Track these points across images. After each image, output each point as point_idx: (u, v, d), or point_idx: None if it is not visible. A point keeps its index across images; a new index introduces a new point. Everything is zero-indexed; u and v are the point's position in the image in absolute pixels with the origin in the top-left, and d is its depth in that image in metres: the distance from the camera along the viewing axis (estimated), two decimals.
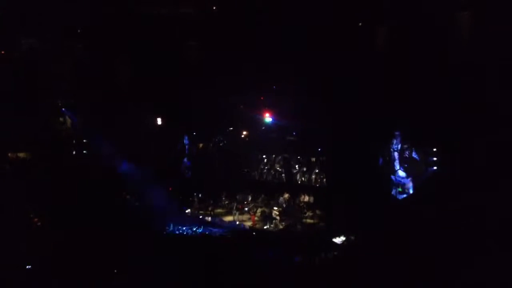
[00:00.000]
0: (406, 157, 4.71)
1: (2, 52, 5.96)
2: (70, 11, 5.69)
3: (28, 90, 5.83)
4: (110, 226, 5.29)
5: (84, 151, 6.25)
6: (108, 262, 4.71)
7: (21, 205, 5.33)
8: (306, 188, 5.91)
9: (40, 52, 5.99)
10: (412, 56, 4.66)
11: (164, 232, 5.43)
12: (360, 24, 5.22)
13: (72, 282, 4.31)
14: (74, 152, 6.21)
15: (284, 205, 5.77)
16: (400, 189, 4.74)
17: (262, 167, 6.37)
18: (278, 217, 5.58)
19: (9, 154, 5.75)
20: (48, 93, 6.05)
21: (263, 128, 6.24)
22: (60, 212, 5.52)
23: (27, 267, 4.39)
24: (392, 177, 4.79)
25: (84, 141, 6.25)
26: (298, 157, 6.11)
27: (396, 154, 4.75)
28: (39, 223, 5.28)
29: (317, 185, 5.86)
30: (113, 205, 5.68)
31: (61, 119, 6.22)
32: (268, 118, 6.11)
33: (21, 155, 5.84)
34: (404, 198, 4.73)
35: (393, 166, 4.77)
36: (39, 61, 5.96)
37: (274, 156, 6.31)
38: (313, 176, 5.91)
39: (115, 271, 4.50)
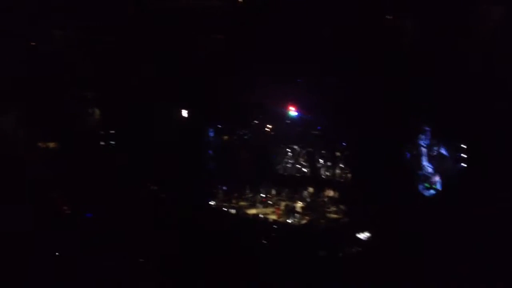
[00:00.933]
0: (434, 153, 4.63)
1: (33, 43, 6.04)
2: (99, 2, 5.76)
3: (57, 80, 5.93)
4: (135, 216, 5.39)
5: (112, 142, 6.34)
6: (134, 250, 4.81)
7: (51, 193, 5.48)
8: (330, 182, 5.86)
9: (69, 43, 6.08)
10: (441, 50, 4.58)
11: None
12: (387, 16, 5.15)
13: (99, 269, 4.41)
14: (102, 143, 6.31)
15: (308, 200, 5.75)
16: (427, 185, 4.67)
17: (286, 160, 6.36)
18: (301, 211, 5.58)
19: (40, 144, 5.86)
20: (76, 84, 6.14)
21: (288, 121, 6.20)
22: (88, 200, 5.65)
23: (56, 254, 4.53)
24: (419, 172, 4.72)
25: (112, 132, 6.34)
26: (323, 151, 6.06)
27: (424, 149, 4.67)
28: (67, 212, 5.41)
29: (342, 180, 5.81)
30: (139, 196, 5.76)
31: (89, 110, 6.31)
32: (292, 111, 6.07)
33: (51, 145, 5.95)
34: (431, 194, 4.67)
35: (421, 161, 4.70)
36: (69, 52, 6.05)
37: (298, 149, 6.29)
38: (338, 171, 5.86)
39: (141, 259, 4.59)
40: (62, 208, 5.40)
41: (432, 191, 4.59)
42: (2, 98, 5.58)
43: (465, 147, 4.49)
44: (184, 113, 6.52)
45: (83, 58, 6.08)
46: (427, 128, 4.63)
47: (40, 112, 5.78)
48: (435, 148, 4.61)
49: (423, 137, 4.66)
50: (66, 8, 5.71)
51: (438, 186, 4.58)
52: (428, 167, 4.63)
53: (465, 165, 4.47)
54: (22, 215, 4.79)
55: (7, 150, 5.34)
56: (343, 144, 5.80)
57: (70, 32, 6.03)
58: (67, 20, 5.88)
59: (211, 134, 6.56)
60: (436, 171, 4.60)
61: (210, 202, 6.08)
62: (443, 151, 4.58)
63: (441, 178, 4.56)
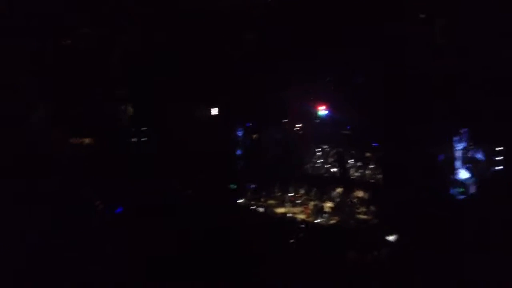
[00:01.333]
0: (469, 156, 4.54)
1: (63, 41, 6.15)
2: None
3: (90, 78, 6.03)
4: (164, 213, 5.47)
5: (143, 139, 6.43)
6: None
7: (84, 188, 5.60)
8: (360, 183, 5.81)
9: (101, 41, 6.17)
10: (476, 53, 4.48)
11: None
12: (422, 16, 5.05)
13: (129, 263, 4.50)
14: (134, 140, 6.41)
15: (337, 200, 5.72)
16: (461, 189, 4.58)
17: (316, 160, 6.33)
18: (330, 211, 5.55)
19: (73, 140, 5.98)
20: (109, 82, 6.24)
21: (317, 121, 6.17)
22: (118, 197, 5.75)
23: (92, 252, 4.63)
24: (453, 176, 4.64)
25: (143, 129, 6.43)
26: (352, 152, 6.00)
27: (458, 152, 4.58)
28: (100, 207, 5.52)
29: (372, 181, 5.75)
30: (168, 193, 5.84)
31: (122, 107, 6.41)
32: (322, 110, 6.03)
33: (86, 140, 6.07)
34: (465, 198, 4.58)
35: (455, 165, 4.61)
36: (101, 50, 6.15)
37: (328, 149, 6.25)
38: (368, 171, 5.81)
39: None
40: (95, 203, 5.52)
41: (465, 195, 4.51)
42: (35, 96, 5.71)
43: (501, 149, 4.39)
44: (214, 111, 6.58)
45: (115, 56, 6.19)
46: (462, 131, 4.55)
47: (73, 110, 5.91)
48: (470, 151, 4.52)
49: (457, 139, 4.58)
50: (97, 6, 5.82)
51: (472, 191, 4.50)
52: (462, 171, 4.55)
53: (501, 168, 4.38)
54: (53, 212, 4.90)
55: (40, 147, 5.46)
56: (374, 144, 5.74)
57: (101, 30, 6.14)
58: (97, 18, 5.99)
59: (241, 133, 6.60)
60: (470, 175, 4.52)
61: (239, 200, 6.11)
62: (478, 154, 4.49)
63: (476, 182, 4.48)
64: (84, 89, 5.98)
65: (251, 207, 5.99)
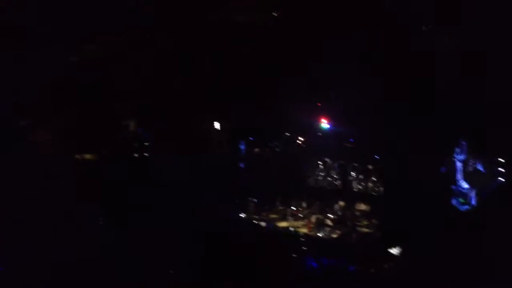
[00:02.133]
0: (470, 167, 4.52)
1: (70, 58, 6.21)
2: (132, 16, 5.90)
3: (90, 94, 6.07)
4: (166, 227, 5.47)
5: (146, 154, 6.46)
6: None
7: (85, 205, 5.62)
8: (362, 196, 5.78)
9: (102, 57, 6.24)
10: (480, 65, 4.48)
11: None
12: (423, 28, 5.08)
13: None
14: (136, 155, 6.43)
15: (339, 213, 5.68)
16: (462, 200, 4.54)
17: (318, 173, 6.32)
18: (332, 225, 5.52)
19: (76, 156, 6.02)
20: (110, 97, 6.29)
21: (320, 134, 6.17)
22: (119, 212, 5.76)
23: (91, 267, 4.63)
24: (454, 187, 4.61)
25: (146, 144, 6.46)
26: (355, 164, 5.99)
27: (459, 164, 4.56)
28: (102, 223, 5.53)
29: (374, 194, 5.72)
30: (171, 206, 5.84)
31: (123, 122, 6.45)
32: (324, 124, 6.04)
33: (87, 156, 6.10)
34: (466, 210, 4.54)
35: (456, 176, 4.58)
36: (101, 66, 6.21)
37: (330, 162, 6.24)
38: (370, 184, 5.77)
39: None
40: (98, 219, 5.53)
41: (467, 207, 4.47)
42: (42, 109, 5.77)
43: (503, 161, 4.36)
44: (217, 125, 6.60)
45: (120, 70, 6.25)
46: (463, 142, 4.53)
47: (78, 124, 5.96)
48: (471, 162, 4.50)
49: (458, 151, 4.56)
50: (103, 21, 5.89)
51: (473, 202, 4.46)
52: (463, 182, 4.52)
53: (503, 180, 4.35)
54: (60, 228, 4.93)
55: (45, 162, 5.50)
56: (376, 157, 5.73)
57: (105, 45, 6.20)
58: (103, 32, 6.05)
59: (243, 146, 6.62)
60: (472, 186, 4.49)
61: (241, 215, 6.10)
62: (479, 166, 4.47)
63: (477, 193, 4.45)
64: (89, 104, 6.07)
65: (254, 221, 5.98)
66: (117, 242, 5.29)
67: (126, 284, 4.71)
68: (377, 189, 5.73)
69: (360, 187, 5.95)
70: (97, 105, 6.10)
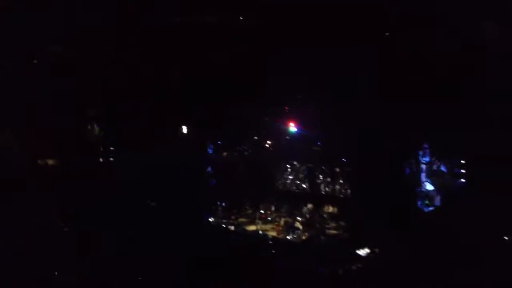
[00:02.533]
0: (434, 169, 4.64)
1: (33, 61, 6.06)
2: (97, 18, 5.78)
3: (56, 97, 5.93)
4: (134, 232, 5.38)
5: (111, 159, 6.34)
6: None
7: (48, 210, 5.47)
8: (330, 198, 5.85)
9: (67, 59, 6.11)
10: (442, 67, 4.61)
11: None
12: (385, 31, 5.18)
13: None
14: (101, 160, 6.31)
15: (308, 216, 5.73)
16: (427, 202, 4.67)
17: (286, 176, 6.36)
18: (301, 228, 5.55)
19: (39, 161, 5.86)
20: (75, 100, 6.15)
21: (288, 137, 6.22)
22: (84, 217, 5.63)
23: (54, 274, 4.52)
24: (419, 189, 4.73)
25: (111, 148, 6.35)
26: (323, 167, 6.06)
27: (424, 166, 4.68)
28: (65, 229, 5.39)
29: (341, 196, 5.80)
30: (138, 212, 5.75)
31: (88, 126, 6.32)
32: (292, 127, 6.09)
33: (50, 162, 5.95)
34: (431, 211, 4.66)
35: (420, 178, 4.70)
36: (66, 69, 6.07)
37: (298, 165, 6.29)
38: (338, 187, 5.85)
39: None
40: (61, 224, 5.39)
41: (431, 208, 4.59)
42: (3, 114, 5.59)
43: (464, 162, 4.50)
44: (184, 129, 6.54)
45: (83, 75, 6.12)
46: (426, 145, 4.65)
47: (40, 129, 5.80)
48: (435, 164, 4.62)
49: (422, 153, 4.67)
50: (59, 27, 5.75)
51: (438, 203, 4.58)
52: (428, 184, 4.64)
53: (464, 181, 4.48)
54: (19, 234, 4.79)
55: (5, 167, 5.33)
56: (343, 160, 5.81)
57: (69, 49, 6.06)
58: (65, 37, 5.91)
59: (211, 150, 6.58)
60: (436, 187, 4.61)
61: (209, 219, 6.06)
62: (442, 167, 4.59)
63: (441, 194, 4.57)
64: (53, 108, 5.91)
65: (222, 225, 5.95)
66: (80, 244, 5.17)
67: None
68: (344, 192, 5.82)
69: (328, 189, 6.02)
70: (61, 109, 5.98)
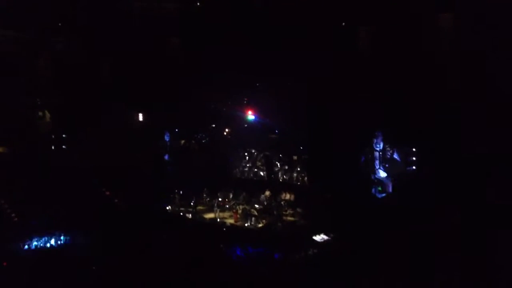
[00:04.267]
0: (387, 157, 4.76)
1: None
2: (51, 4, 5.60)
3: (5, 84, 5.71)
4: (89, 222, 5.28)
5: (63, 146, 6.16)
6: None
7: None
8: (287, 186, 5.92)
9: (18, 45, 5.89)
10: (395, 57, 4.72)
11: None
12: (343, 24, 5.25)
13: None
14: (52, 147, 6.12)
15: (265, 203, 5.77)
16: (380, 188, 4.80)
17: (244, 164, 6.37)
18: (258, 215, 5.59)
19: None
20: (26, 87, 5.94)
21: (245, 125, 6.23)
22: (36, 207, 5.48)
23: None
24: (373, 176, 4.85)
25: (64, 136, 6.17)
26: (280, 155, 6.11)
27: (377, 153, 4.80)
28: (15, 219, 5.23)
29: (298, 183, 5.87)
30: (93, 202, 5.64)
31: (40, 113, 6.12)
32: (250, 115, 6.10)
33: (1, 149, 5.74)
34: (384, 197, 4.80)
35: (374, 165, 4.82)
36: (17, 54, 5.86)
37: (255, 153, 6.32)
38: (295, 174, 5.92)
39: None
40: (10, 214, 5.22)
41: (384, 194, 4.72)
42: None
43: (414, 150, 4.64)
44: (140, 117, 6.43)
45: (35, 63, 5.92)
46: (379, 133, 4.76)
47: None
48: (388, 152, 4.74)
49: (376, 141, 4.78)
50: (19, 12, 5.54)
51: (390, 190, 4.71)
52: (381, 171, 4.76)
53: (415, 168, 4.63)
54: None
55: None
56: (300, 148, 5.88)
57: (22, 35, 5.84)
58: (19, 22, 5.69)
59: (167, 138, 6.51)
60: (389, 174, 4.74)
61: (167, 207, 6.00)
62: (395, 155, 4.72)
63: (393, 181, 4.71)
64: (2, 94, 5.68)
65: (180, 213, 5.92)
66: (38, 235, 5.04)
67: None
68: (301, 179, 5.91)
69: (285, 177, 6.10)
70: (11, 97, 5.77)
